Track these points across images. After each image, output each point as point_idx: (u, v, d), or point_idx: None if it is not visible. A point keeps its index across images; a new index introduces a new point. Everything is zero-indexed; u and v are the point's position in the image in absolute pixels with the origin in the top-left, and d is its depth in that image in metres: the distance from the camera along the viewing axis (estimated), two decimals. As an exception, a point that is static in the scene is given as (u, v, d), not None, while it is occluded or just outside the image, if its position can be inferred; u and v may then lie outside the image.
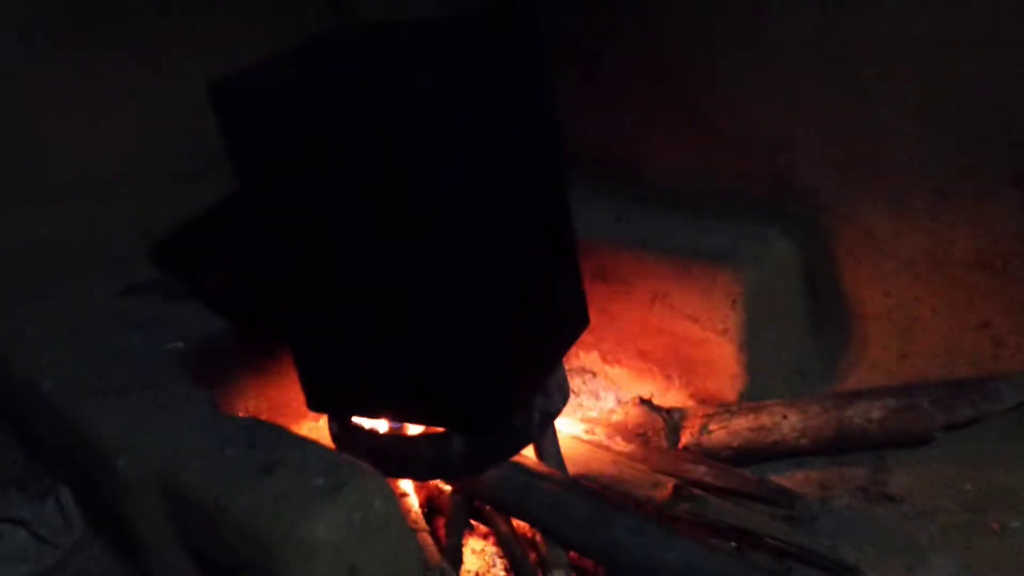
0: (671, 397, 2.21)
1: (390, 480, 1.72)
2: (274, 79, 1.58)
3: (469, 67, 1.52)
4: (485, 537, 1.91)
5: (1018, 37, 1.73)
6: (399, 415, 1.72)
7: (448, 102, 1.45)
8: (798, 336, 2.15)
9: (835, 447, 1.91)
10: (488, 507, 1.86)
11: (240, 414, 2.06)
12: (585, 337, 2.12)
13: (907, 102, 1.87)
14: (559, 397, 1.84)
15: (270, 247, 1.64)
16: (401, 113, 1.40)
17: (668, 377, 2.22)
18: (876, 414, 1.88)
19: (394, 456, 1.73)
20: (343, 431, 1.80)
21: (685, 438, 1.96)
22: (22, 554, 1.96)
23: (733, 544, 1.76)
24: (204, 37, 2.52)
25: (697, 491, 1.78)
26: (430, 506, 1.94)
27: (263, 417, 2.09)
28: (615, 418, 2.05)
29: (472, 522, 1.92)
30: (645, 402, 2.05)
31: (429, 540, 1.73)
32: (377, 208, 1.49)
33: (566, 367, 2.30)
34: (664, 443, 1.96)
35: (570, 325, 1.88)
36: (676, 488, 1.78)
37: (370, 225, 1.51)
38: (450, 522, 1.85)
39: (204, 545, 1.61)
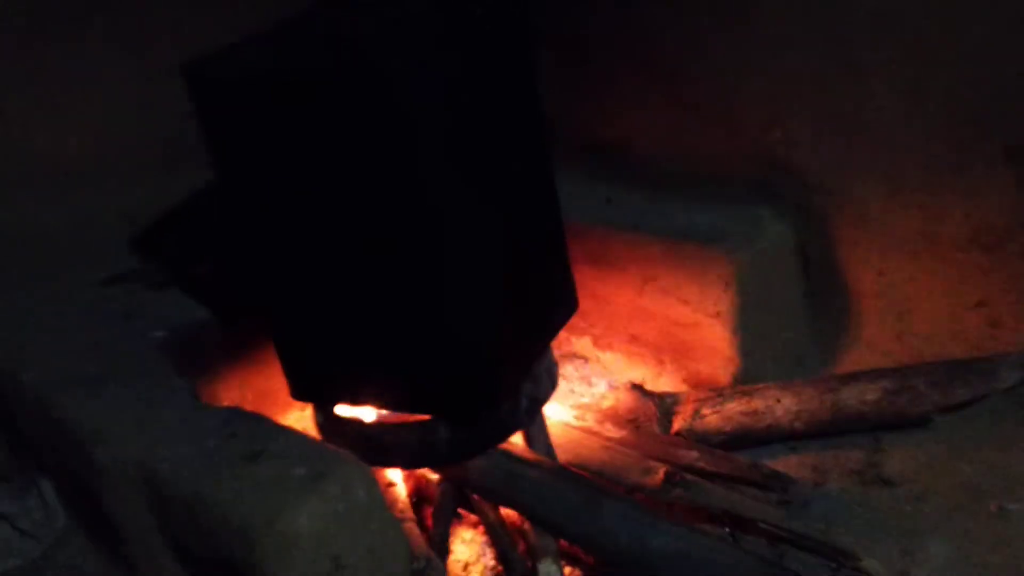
0: (664, 382, 2.19)
1: (376, 469, 1.70)
2: (250, 62, 1.54)
3: (449, 49, 1.49)
4: (474, 526, 1.89)
5: (1010, 10, 1.70)
6: (384, 403, 1.70)
7: (426, 87, 1.42)
8: (792, 318, 2.13)
9: (830, 430, 1.89)
10: (476, 495, 1.84)
11: (224, 403, 2.03)
12: (576, 322, 2.11)
13: (898, 78, 1.85)
14: (548, 383, 1.81)
15: (250, 234, 1.62)
16: (378, 100, 1.37)
17: (660, 361, 2.20)
18: (871, 396, 1.86)
19: (379, 445, 1.71)
20: (327, 420, 1.78)
21: (677, 423, 1.94)
22: (5, 548, 1.95)
23: (726, 529, 1.74)
24: (188, 23, 2.49)
25: (690, 476, 1.76)
26: (418, 495, 1.92)
27: (248, 406, 2.05)
28: (606, 404, 2.03)
29: (460, 511, 1.90)
30: (637, 387, 2.04)
31: (416, 529, 1.72)
32: (357, 194, 1.47)
33: (557, 353, 2.28)
34: (656, 428, 1.94)
35: (558, 310, 1.86)
36: (668, 474, 1.75)
37: (350, 211, 1.49)
38: (437, 511, 1.83)
39: (185, 537, 1.59)
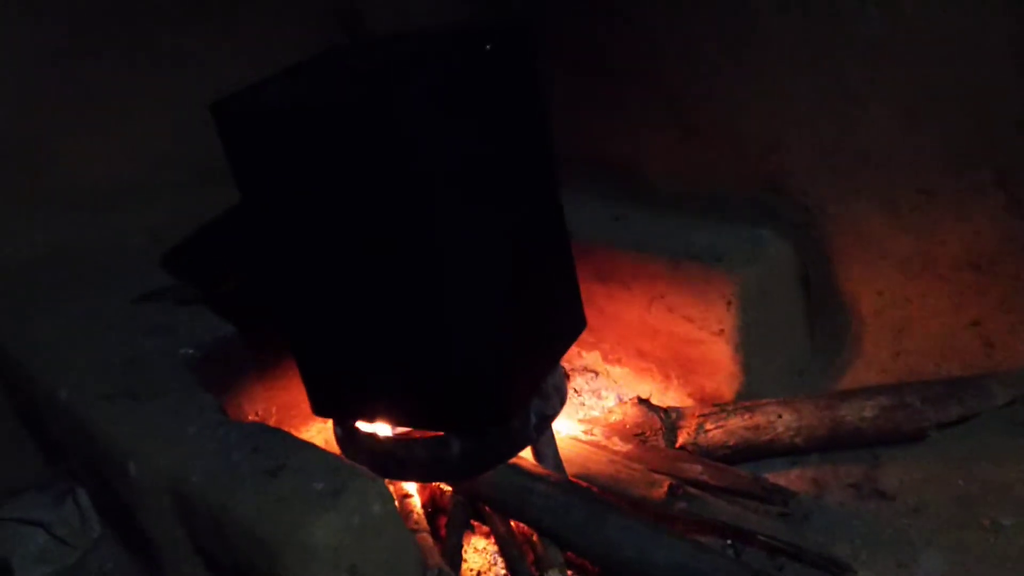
0: (671, 396, 2.24)
1: (393, 482, 1.77)
2: (272, 98, 1.63)
3: (463, 84, 1.57)
4: (487, 536, 1.96)
5: (1001, 40, 1.74)
6: (399, 419, 1.77)
7: (440, 121, 1.50)
8: (793, 335, 2.18)
9: (829, 445, 1.94)
10: (487, 507, 1.90)
11: (250, 418, 2.12)
12: (587, 337, 2.16)
13: (893, 104, 1.89)
14: (556, 400, 1.88)
15: (273, 257, 1.70)
16: (389, 132, 1.44)
17: (667, 376, 2.25)
18: (869, 412, 1.90)
19: (394, 459, 1.78)
20: (346, 435, 1.85)
21: (682, 437, 2.00)
22: (42, 555, 2.02)
23: (728, 541, 1.80)
24: (217, 49, 2.57)
25: (693, 490, 1.81)
26: (433, 506, 1.99)
27: (272, 421, 2.15)
28: (613, 418, 2.09)
29: (473, 522, 1.97)
30: (643, 402, 2.09)
31: (430, 540, 1.78)
32: (370, 221, 1.54)
33: (568, 366, 2.36)
34: (661, 443, 2.00)
35: (567, 328, 1.91)
36: (671, 487, 1.81)
37: (367, 237, 1.56)
38: (451, 522, 1.90)
39: (212, 547, 1.67)
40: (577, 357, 2.45)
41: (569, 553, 1.77)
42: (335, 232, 1.59)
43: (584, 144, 2.41)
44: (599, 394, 2.38)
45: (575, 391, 2.37)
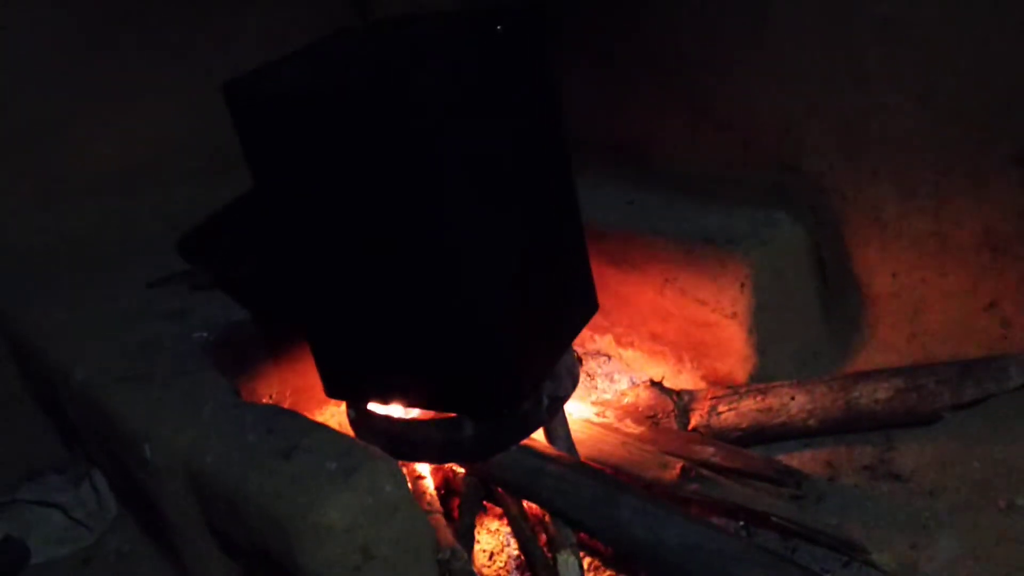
0: (684, 379, 2.24)
1: (406, 463, 1.78)
2: (285, 80, 1.63)
3: (476, 66, 1.56)
4: (500, 517, 1.96)
5: (1016, 15, 1.72)
6: (412, 401, 1.77)
7: (453, 104, 1.49)
8: (807, 318, 2.16)
9: (843, 427, 1.93)
10: (500, 488, 1.91)
11: (264, 401, 2.13)
12: (599, 320, 2.16)
13: (909, 85, 1.87)
14: (568, 381, 1.88)
15: (285, 240, 1.70)
16: (407, 117, 1.44)
17: (680, 359, 2.24)
18: (883, 394, 1.89)
19: (407, 441, 1.79)
20: (359, 417, 1.86)
21: (695, 420, 1.99)
22: (60, 537, 2.04)
23: (740, 523, 1.80)
24: (230, 32, 2.58)
25: (705, 472, 1.81)
26: (446, 487, 1.99)
27: (286, 404, 2.16)
28: (626, 401, 2.08)
29: (486, 503, 1.97)
30: (655, 384, 2.08)
31: (443, 521, 1.78)
32: (382, 204, 1.54)
33: (581, 350, 2.35)
34: (674, 425, 1.99)
35: (579, 311, 1.91)
36: (684, 469, 1.81)
37: (376, 219, 1.56)
38: (463, 503, 1.91)
39: (227, 527, 1.68)
40: (590, 341, 2.45)
41: (581, 534, 1.78)
42: (349, 216, 1.59)
43: (597, 127, 2.40)
44: (612, 377, 2.38)
45: (588, 375, 2.37)
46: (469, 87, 1.54)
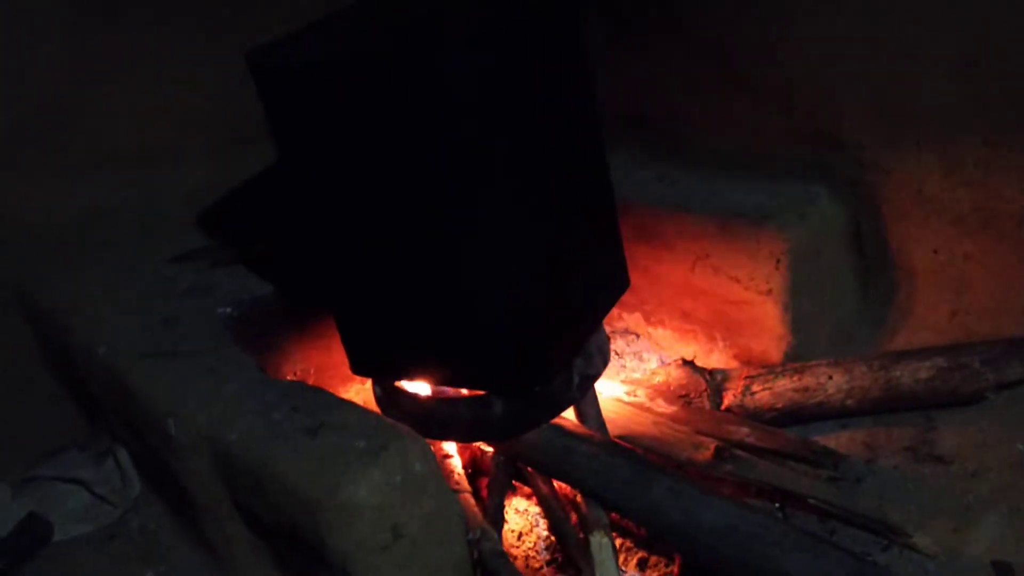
0: (715, 358, 2.20)
1: (433, 442, 1.75)
2: (311, 48, 1.59)
3: (504, 34, 1.52)
4: (528, 497, 1.94)
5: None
6: (440, 378, 1.74)
7: (482, 74, 1.45)
8: (844, 295, 2.12)
9: (882, 407, 1.89)
10: (529, 468, 1.88)
11: (288, 377, 2.11)
12: (628, 298, 2.12)
13: (954, 54, 1.81)
14: (599, 359, 1.84)
15: (311, 214, 1.67)
16: (436, 86, 1.40)
17: (712, 338, 2.20)
18: (925, 374, 1.85)
19: (435, 419, 1.76)
20: (386, 394, 1.83)
21: (728, 399, 1.96)
22: (83, 514, 2.03)
23: (776, 505, 1.76)
24: (254, 6, 2.53)
25: (740, 453, 1.78)
26: (474, 467, 1.97)
27: (310, 381, 2.13)
28: (657, 380, 2.05)
29: (515, 483, 1.95)
30: (688, 363, 2.05)
31: (471, 500, 1.76)
32: (411, 174, 1.51)
33: (609, 329, 2.31)
34: (707, 404, 1.96)
35: (610, 287, 1.88)
36: (718, 449, 1.78)
37: (406, 191, 1.53)
38: (492, 483, 1.88)
39: (253, 505, 1.66)
40: (618, 319, 2.42)
41: (613, 514, 1.74)
42: (377, 189, 1.56)
43: (629, 103, 2.35)
44: (641, 357, 2.34)
45: (616, 354, 2.33)
46: (499, 52, 1.50)
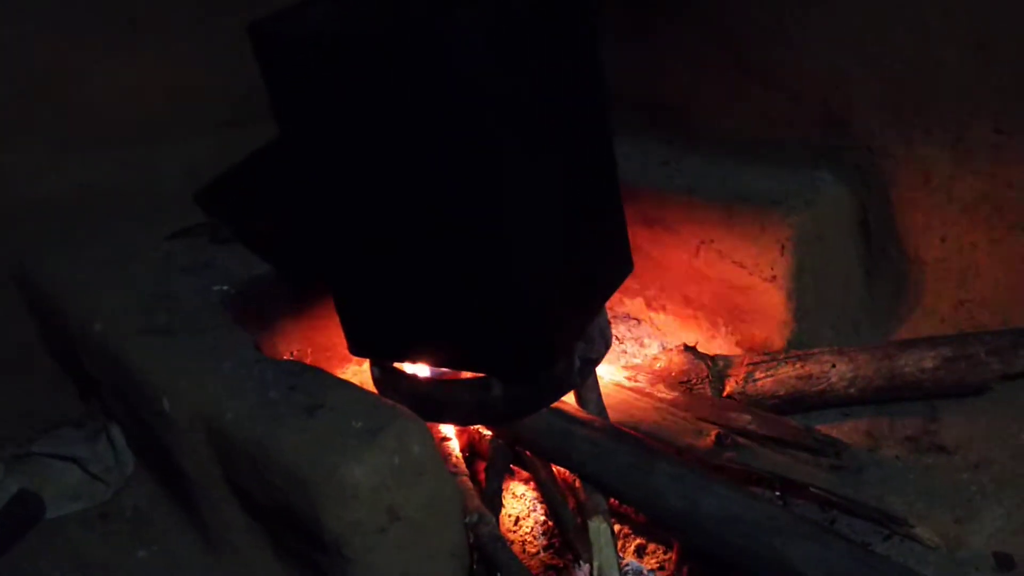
0: (717, 344, 2.18)
1: (431, 424, 1.73)
2: (314, 24, 1.56)
3: (508, 11, 1.48)
4: (526, 482, 1.92)
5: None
6: (440, 360, 1.72)
7: (488, 50, 1.42)
8: (849, 283, 2.11)
9: (885, 397, 1.88)
10: (528, 452, 1.86)
11: (285, 357, 2.09)
12: (630, 283, 2.10)
13: (967, 39, 1.79)
14: (601, 343, 1.82)
15: (311, 191, 1.64)
16: (438, 61, 1.37)
17: (714, 324, 2.19)
18: (929, 363, 1.83)
19: (434, 401, 1.74)
20: (384, 375, 1.81)
21: (730, 386, 1.94)
22: (76, 491, 2.01)
23: (777, 493, 1.74)
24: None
25: (741, 440, 1.76)
26: (471, 450, 1.95)
27: (308, 360, 2.11)
28: (659, 365, 2.03)
29: (513, 467, 1.93)
30: (690, 349, 2.03)
31: (469, 484, 1.74)
32: (416, 154, 1.48)
33: (610, 314, 2.29)
34: (708, 391, 1.94)
35: (613, 271, 1.86)
36: (719, 436, 1.76)
37: (410, 171, 1.50)
38: (490, 466, 1.86)
39: (248, 485, 1.64)
40: (619, 304, 2.40)
41: (613, 500, 1.73)
42: (380, 168, 1.53)
43: (634, 87, 2.32)
44: (642, 342, 2.33)
45: (617, 339, 2.31)
46: (508, 32, 1.46)
